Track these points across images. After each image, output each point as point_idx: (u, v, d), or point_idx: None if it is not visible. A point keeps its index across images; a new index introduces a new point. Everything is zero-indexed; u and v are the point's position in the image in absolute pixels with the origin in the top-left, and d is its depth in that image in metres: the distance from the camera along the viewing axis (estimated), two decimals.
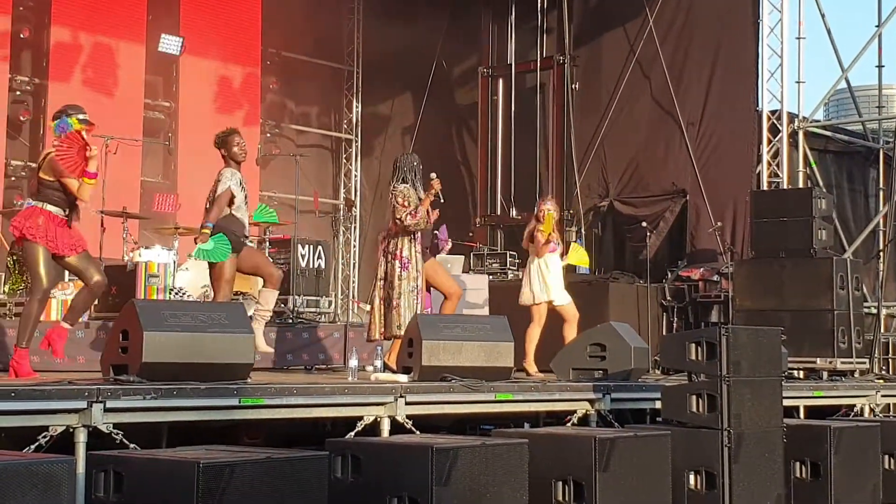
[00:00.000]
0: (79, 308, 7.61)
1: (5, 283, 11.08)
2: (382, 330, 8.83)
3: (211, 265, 8.51)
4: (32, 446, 5.75)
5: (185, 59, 15.64)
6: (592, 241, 15.23)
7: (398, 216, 8.79)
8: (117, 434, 5.95)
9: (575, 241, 12.90)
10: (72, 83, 14.46)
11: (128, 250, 11.25)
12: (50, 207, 7.37)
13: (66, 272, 10.56)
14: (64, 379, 6.54)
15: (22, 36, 14.40)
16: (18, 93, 14.50)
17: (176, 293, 10.79)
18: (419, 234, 8.94)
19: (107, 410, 5.93)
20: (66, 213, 7.43)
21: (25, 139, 14.51)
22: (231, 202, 8.48)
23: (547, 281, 10.13)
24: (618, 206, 15.28)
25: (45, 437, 5.78)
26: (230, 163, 8.59)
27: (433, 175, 8.88)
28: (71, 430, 5.85)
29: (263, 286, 8.73)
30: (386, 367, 8.57)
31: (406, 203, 8.78)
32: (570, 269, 11.74)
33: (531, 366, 9.93)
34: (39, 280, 7.35)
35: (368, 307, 9.35)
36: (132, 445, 5.93)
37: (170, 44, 15.23)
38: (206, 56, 15.85)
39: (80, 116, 7.51)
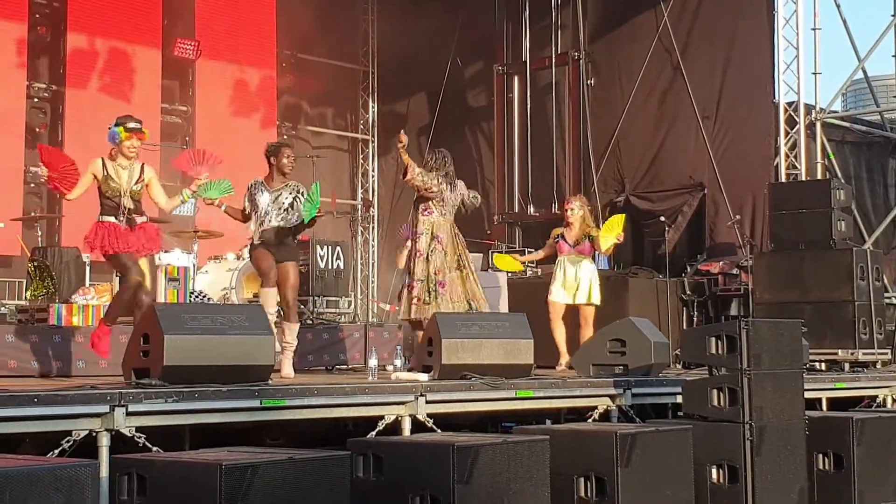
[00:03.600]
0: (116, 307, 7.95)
1: (27, 290, 11.16)
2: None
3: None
4: (56, 451, 5.79)
5: (201, 63, 15.68)
6: None
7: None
8: (140, 437, 5.99)
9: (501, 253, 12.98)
10: (89, 89, 14.53)
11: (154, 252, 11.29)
12: (104, 218, 7.86)
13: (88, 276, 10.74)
14: (86, 383, 6.59)
15: (38, 42, 14.47)
16: (36, 100, 14.56)
17: (196, 296, 10.84)
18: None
19: (129, 414, 5.97)
20: (119, 218, 7.81)
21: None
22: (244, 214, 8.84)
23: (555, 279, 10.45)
24: (635, 202, 15.23)
25: (68, 441, 5.83)
26: (271, 173, 8.83)
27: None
28: (94, 434, 5.89)
29: (285, 319, 8.76)
30: None
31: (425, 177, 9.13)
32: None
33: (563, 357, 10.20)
34: (126, 273, 7.80)
35: (388, 305, 9.48)
36: (155, 448, 5.97)
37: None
38: (221, 59, 15.89)
39: (129, 125, 7.88)
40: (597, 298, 10.59)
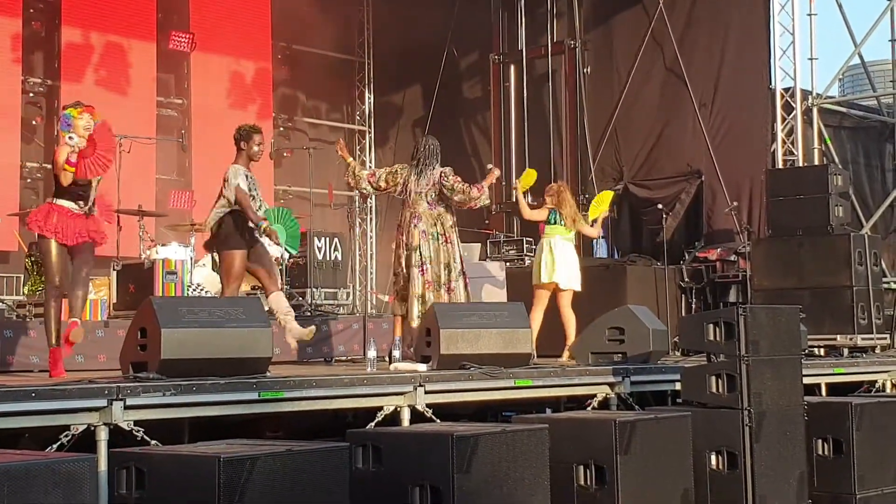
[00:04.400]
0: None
1: (24, 285, 11.15)
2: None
3: (220, 262, 8.57)
4: (54, 445, 5.78)
5: (197, 56, 15.66)
6: (609, 224, 15.20)
7: (460, 195, 8.96)
8: (138, 431, 5.98)
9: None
10: (84, 83, 14.50)
11: (144, 248, 11.29)
12: (60, 202, 7.51)
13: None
14: (84, 378, 6.58)
15: (33, 37, 14.45)
16: (31, 94, 14.55)
17: (193, 289, 10.83)
18: None
19: (127, 408, 5.96)
20: (81, 205, 7.53)
21: (40, 141, 14.56)
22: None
23: (541, 262, 10.34)
24: (633, 189, 15.24)
25: (66, 436, 5.82)
26: (241, 159, 8.58)
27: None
28: (92, 428, 5.88)
29: (267, 295, 8.65)
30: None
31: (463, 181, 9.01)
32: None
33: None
34: (50, 275, 7.51)
35: (387, 296, 9.43)
36: (153, 442, 5.96)
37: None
38: (216, 52, 15.87)
39: (74, 104, 7.63)
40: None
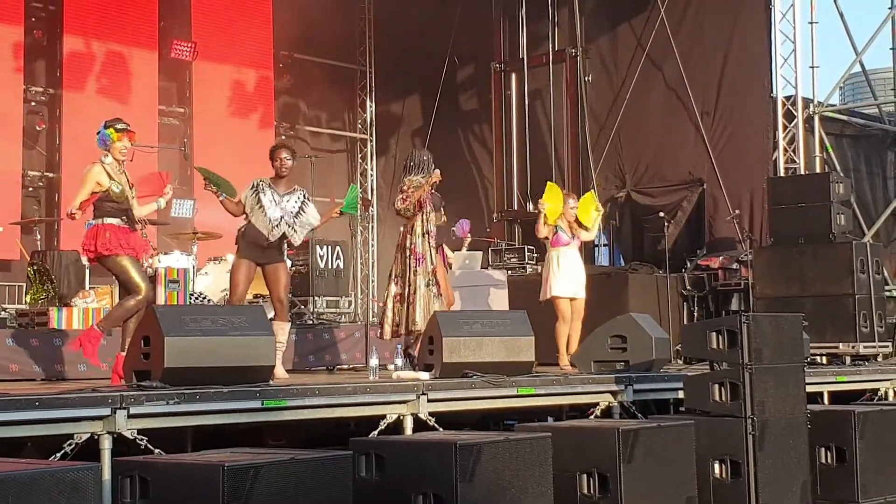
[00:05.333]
0: (117, 316, 7.72)
1: (27, 294, 11.15)
2: (396, 328, 8.86)
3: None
4: (58, 454, 5.79)
5: (198, 65, 15.67)
6: (611, 232, 15.21)
7: (395, 204, 9.00)
8: (142, 440, 5.98)
9: None
10: (86, 92, 14.53)
11: (147, 256, 11.28)
12: (109, 220, 7.68)
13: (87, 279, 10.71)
14: (88, 386, 6.58)
15: (35, 45, 14.46)
16: (33, 103, 14.56)
17: (196, 298, 10.83)
18: (433, 231, 9.00)
19: (131, 416, 5.97)
20: (125, 220, 7.71)
21: (42, 149, 14.57)
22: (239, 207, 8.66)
23: (551, 274, 10.12)
24: (635, 197, 15.25)
25: (70, 444, 5.82)
26: (272, 173, 8.74)
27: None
28: (96, 437, 5.88)
29: (277, 318, 8.65)
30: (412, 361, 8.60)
31: (409, 191, 8.91)
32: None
33: (562, 359, 9.90)
34: (136, 286, 7.62)
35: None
36: (157, 451, 5.96)
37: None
38: (218, 61, 15.89)
39: (118, 126, 7.82)
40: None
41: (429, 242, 8.95)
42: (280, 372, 8.33)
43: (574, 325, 10.10)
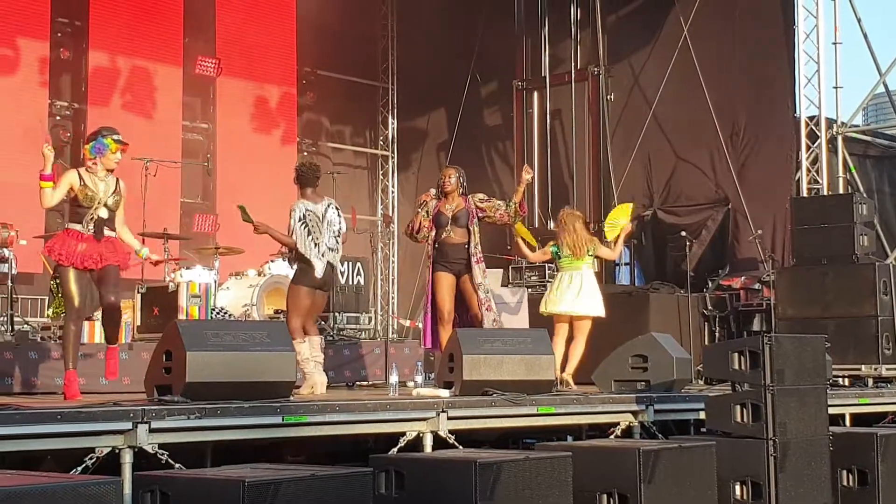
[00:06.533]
0: (68, 347, 7.59)
1: (49, 307, 11.19)
2: None
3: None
4: (79, 468, 5.80)
5: (222, 81, 15.75)
6: (632, 251, 15.15)
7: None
8: (163, 454, 5.99)
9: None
10: (111, 107, 14.61)
11: (169, 271, 11.33)
12: (71, 225, 7.61)
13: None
14: (109, 401, 6.60)
15: (60, 60, 14.56)
16: (58, 118, 14.65)
17: (217, 313, 10.86)
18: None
19: (152, 431, 5.97)
20: (89, 228, 7.57)
21: (66, 163, 14.64)
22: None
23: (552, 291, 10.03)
24: (661, 216, 15.21)
25: (91, 458, 5.83)
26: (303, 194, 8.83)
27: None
28: (117, 451, 5.89)
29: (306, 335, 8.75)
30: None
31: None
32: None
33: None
34: (70, 300, 7.53)
35: (408, 321, 9.46)
36: (177, 465, 5.97)
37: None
38: (242, 77, 15.98)
39: (115, 137, 7.73)
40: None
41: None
42: (321, 378, 8.55)
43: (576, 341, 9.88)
